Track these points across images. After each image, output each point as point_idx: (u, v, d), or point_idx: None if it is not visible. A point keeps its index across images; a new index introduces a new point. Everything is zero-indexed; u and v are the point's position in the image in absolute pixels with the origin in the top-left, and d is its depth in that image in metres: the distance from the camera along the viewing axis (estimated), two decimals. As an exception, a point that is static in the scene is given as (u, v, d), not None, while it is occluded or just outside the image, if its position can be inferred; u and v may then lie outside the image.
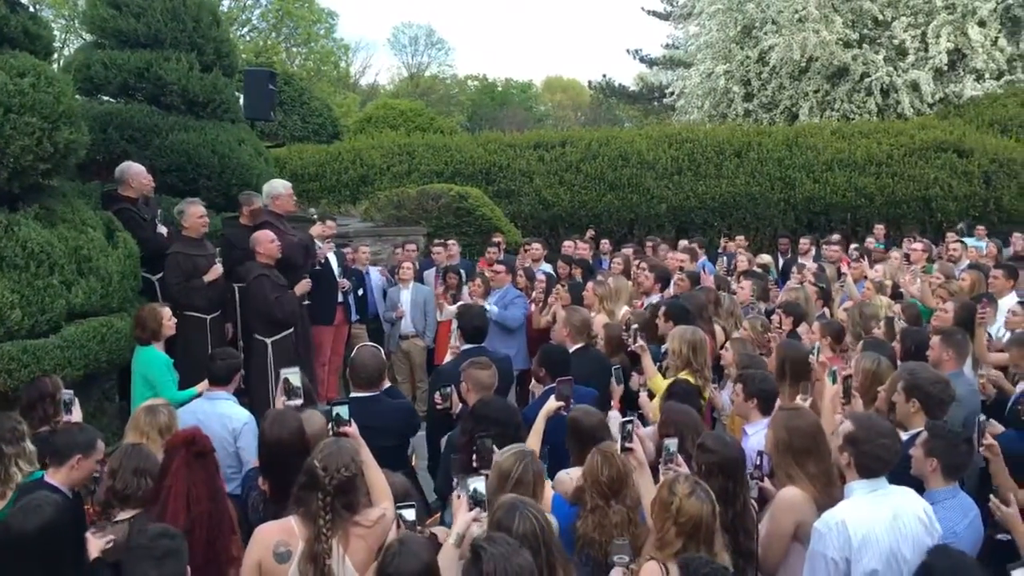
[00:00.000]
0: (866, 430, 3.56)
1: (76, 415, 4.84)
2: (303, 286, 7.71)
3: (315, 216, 8.32)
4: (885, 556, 3.38)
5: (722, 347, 6.53)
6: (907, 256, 10.01)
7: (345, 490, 3.37)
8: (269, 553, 3.29)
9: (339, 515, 3.35)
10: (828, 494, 3.81)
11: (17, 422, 4.37)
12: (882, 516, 3.45)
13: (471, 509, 3.29)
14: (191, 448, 4.01)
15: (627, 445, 3.94)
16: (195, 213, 7.31)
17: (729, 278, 8.91)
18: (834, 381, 5.09)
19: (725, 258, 10.98)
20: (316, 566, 3.28)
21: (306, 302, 8.03)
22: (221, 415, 5.15)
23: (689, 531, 3.26)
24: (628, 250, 10.93)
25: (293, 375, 4.65)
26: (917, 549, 3.45)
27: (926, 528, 3.52)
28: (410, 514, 3.45)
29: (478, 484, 3.37)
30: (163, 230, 7.55)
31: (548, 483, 4.17)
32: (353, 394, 4.91)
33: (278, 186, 8.11)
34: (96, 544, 3.59)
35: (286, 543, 3.08)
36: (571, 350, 6.05)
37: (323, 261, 8.59)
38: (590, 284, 7.98)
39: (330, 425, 4.09)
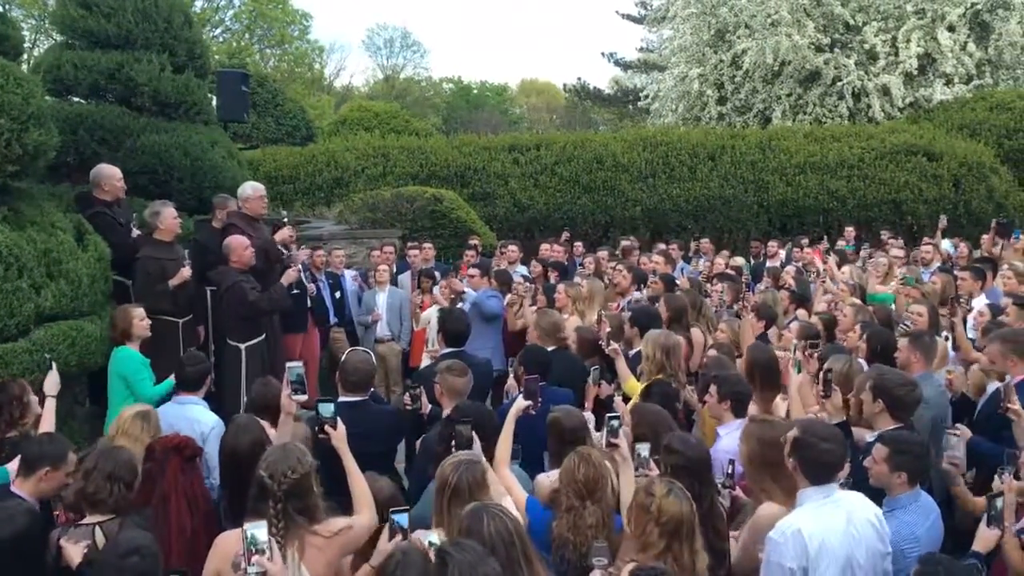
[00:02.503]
0: (809, 435, 3.54)
1: (52, 379, 4.97)
2: (290, 275, 7.58)
3: (286, 219, 8.20)
4: (841, 563, 3.38)
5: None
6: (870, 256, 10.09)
7: (297, 494, 3.31)
8: (227, 563, 3.25)
9: (293, 521, 3.29)
10: None
11: None
12: (837, 523, 3.44)
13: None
14: (182, 454, 3.98)
15: (612, 440, 3.93)
16: (171, 214, 7.22)
17: (708, 284, 8.91)
18: (799, 371, 5.12)
19: (701, 260, 11.04)
20: None
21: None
22: (190, 419, 5.12)
23: (672, 530, 3.26)
24: (603, 252, 10.95)
25: (297, 368, 4.54)
26: (870, 554, 3.46)
27: (877, 532, 3.54)
28: (403, 519, 3.38)
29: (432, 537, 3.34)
30: (138, 233, 7.45)
31: (519, 487, 4.16)
32: (341, 398, 4.82)
33: (247, 188, 7.96)
34: (75, 551, 3.53)
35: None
36: (544, 352, 6.02)
37: (299, 266, 8.43)
38: (561, 286, 8.00)
39: (314, 427, 4.05)
